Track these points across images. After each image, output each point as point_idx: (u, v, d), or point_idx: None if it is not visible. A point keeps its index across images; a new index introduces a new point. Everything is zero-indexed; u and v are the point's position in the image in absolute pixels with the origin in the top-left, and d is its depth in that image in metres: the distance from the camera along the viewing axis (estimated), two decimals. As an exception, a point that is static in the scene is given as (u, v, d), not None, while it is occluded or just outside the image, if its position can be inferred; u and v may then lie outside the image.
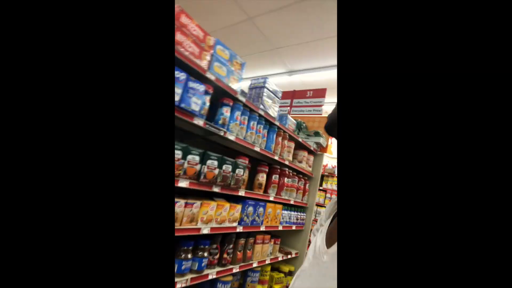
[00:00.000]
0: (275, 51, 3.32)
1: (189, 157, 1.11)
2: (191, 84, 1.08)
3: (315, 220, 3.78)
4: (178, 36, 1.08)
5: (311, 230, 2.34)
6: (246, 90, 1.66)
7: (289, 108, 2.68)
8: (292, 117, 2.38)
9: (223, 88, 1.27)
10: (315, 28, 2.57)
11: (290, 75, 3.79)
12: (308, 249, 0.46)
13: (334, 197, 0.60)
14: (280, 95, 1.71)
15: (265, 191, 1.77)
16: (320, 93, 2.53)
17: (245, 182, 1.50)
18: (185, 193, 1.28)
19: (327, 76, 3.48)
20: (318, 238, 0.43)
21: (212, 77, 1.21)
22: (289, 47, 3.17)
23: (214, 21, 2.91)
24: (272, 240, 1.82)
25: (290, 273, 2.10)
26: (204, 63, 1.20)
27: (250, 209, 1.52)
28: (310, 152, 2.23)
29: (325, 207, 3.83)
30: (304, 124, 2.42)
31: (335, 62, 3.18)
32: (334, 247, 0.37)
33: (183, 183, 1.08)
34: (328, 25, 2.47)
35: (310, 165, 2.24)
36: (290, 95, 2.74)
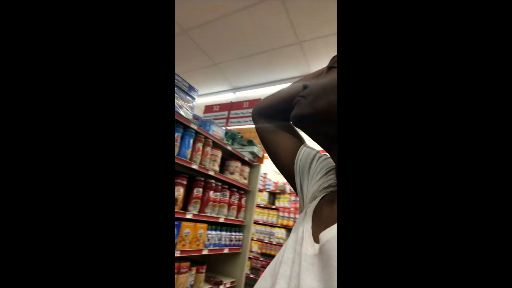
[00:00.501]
0: (215, 66, 3.25)
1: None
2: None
3: (256, 240, 3.49)
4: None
5: (250, 251, 2.06)
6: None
7: (226, 120, 2.54)
8: (228, 129, 2.23)
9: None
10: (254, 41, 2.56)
11: (235, 92, 3.73)
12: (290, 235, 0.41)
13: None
14: (197, 94, 1.54)
15: (184, 208, 1.49)
16: (255, 103, 2.46)
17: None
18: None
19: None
20: (304, 221, 0.39)
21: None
22: (229, 62, 3.12)
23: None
24: (194, 268, 1.51)
25: (226, 308, 1.76)
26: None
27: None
28: (245, 162, 2.05)
29: (278, 227, 3.62)
30: (239, 135, 2.27)
31: (275, 77, 3.21)
32: (324, 241, 0.31)
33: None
34: (266, 37, 2.48)
35: (246, 177, 2.04)
36: (228, 107, 2.62)
